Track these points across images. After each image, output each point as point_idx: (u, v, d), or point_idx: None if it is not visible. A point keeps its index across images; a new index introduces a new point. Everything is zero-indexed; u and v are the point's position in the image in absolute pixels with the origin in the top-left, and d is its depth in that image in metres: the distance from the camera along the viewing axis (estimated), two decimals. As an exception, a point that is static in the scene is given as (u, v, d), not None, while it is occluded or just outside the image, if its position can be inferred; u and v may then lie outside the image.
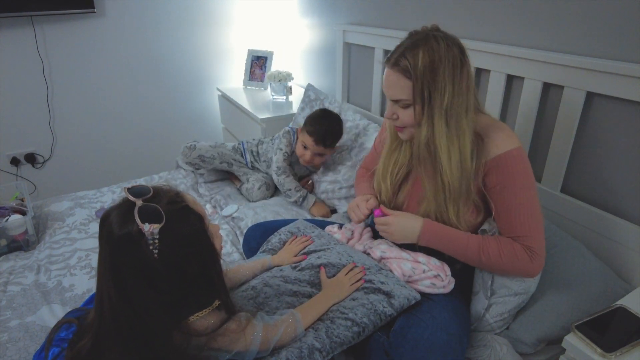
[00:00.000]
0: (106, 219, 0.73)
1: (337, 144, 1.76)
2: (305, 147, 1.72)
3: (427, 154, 1.03)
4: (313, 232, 1.28)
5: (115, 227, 0.71)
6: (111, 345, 0.73)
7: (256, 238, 1.36)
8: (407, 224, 1.08)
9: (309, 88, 2.17)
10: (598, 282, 1.05)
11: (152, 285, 0.72)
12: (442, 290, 1.06)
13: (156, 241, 0.71)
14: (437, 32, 1.00)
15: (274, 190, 1.88)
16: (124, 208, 0.73)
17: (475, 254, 1.02)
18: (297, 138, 1.78)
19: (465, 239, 1.04)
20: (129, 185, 0.77)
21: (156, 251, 0.71)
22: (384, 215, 1.13)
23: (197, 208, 0.79)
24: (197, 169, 1.97)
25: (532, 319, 1.06)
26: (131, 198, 0.73)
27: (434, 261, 1.09)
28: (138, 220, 0.70)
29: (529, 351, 1.06)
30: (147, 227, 0.70)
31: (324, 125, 1.67)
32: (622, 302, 0.90)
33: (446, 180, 1.01)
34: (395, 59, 0.99)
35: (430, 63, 0.95)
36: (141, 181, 1.99)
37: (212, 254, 0.80)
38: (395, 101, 1.03)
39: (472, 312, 1.11)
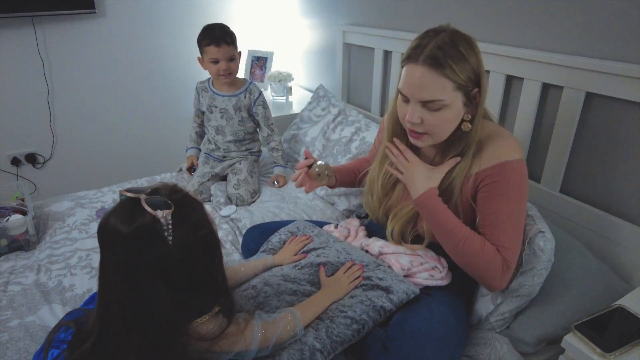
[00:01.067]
0: (106, 225, 0.73)
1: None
2: (215, 62, 1.72)
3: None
4: (312, 231, 1.29)
5: (124, 226, 0.71)
6: (120, 347, 0.73)
7: (254, 240, 1.36)
8: (420, 178, 1.04)
9: (320, 88, 2.17)
10: (598, 282, 1.06)
11: (166, 279, 0.73)
12: (440, 282, 1.07)
13: (170, 227, 0.72)
14: (457, 31, 0.96)
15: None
16: (124, 208, 0.74)
17: (458, 241, 0.99)
18: (204, 68, 1.80)
19: (455, 222, 1.01)
20: (124, 188, 0.77)
21: (170, 237, 0.72)
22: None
23: (195, 196, 0.82)
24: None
25: (533, 318, 1.06)
26: (132, 195, 0.74)
27: (431, 254, 1.11)
28: (150, 209, 0.71)
29: (530, 350, 1.06)
30: (160, 214, 0.71)
31: (210, 29, 1.69)
32: (621, 302, 0.90)
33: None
34: (434, 56, 0.91)
35: (472, 61, 0.93)
36: (142, 182, 1.99)
37: (216, 240, 0.82)
38: (425, 102, 0.95)
39: (474, 313, 1.11)
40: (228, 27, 1.78)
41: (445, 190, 1.04)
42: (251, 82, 1.92)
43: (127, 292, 0.72)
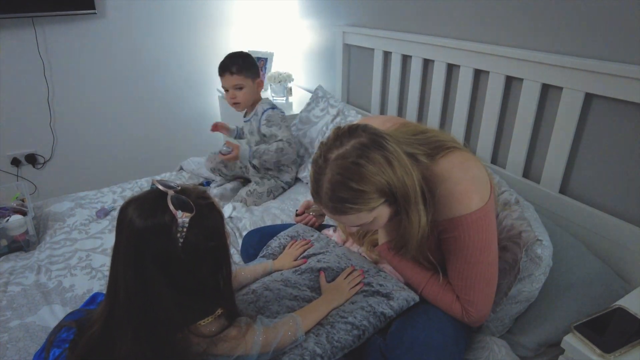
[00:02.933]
0: (126, 210, 0.75)
1: (257, 76, 1.76)
2: (226, 90, 1.76)
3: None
4: (312, 235, 1.29)
5: (141, 219, 0.73)
6: (122, 333, 0.74)
7: (254, 245, 1.36)
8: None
9: (318, 88, 2.18)
10: (599, 283, 1.05)
11: (170, 278, 0.74)
12: None
13: (184, 230, 0.73)
14: (340, 147, 0.85)
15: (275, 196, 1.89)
16: (150, 198, 0.75)
17: (417, 287, 1.04)
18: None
19: (412, 272, 1.04)
20: (158, 178, 0.78)
21: (182, 240, 0.73)
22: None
23: (219, 208, 0.83)
24: (220, 175, 1.99)
25: (533, 322, 1.05)
26: (162, 188, 0.76)
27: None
28: (172, 208, 0.72)
29: (529, 355, 1.05)
30: (179, 215, 0.73)
31: (224, 58, 1.75)
32: (621, 302, 0.90)
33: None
34: (332, 206, 0.86)
35: (372, 189, 0.84)
36: (142, 182, 1.99)
37: (226, 254, 0.82)
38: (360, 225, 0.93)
39: None
40: (241, 56, 1.74)
41: (407, 243, 0.98)
42: (261, 102, 1.84)
43: (133, 280, 0.74)
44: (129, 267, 0.74)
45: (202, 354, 0.78)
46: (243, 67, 1.70)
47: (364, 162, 0.82)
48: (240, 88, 1.73)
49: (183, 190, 0.78)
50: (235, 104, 1.78)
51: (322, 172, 0.86)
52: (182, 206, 0.74)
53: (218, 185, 1.97)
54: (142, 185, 1.94)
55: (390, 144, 0.86)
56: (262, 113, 1.79)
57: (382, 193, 0.85)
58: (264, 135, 1.80)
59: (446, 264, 1.00)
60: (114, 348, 0.74)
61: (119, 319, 0.75)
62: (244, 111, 1.90)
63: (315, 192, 0.89)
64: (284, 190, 1.91)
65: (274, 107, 1.81)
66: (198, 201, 0.77)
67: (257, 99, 1.83)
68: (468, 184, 0.92)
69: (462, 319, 0.99)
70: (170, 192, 0.75)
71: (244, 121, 1.90)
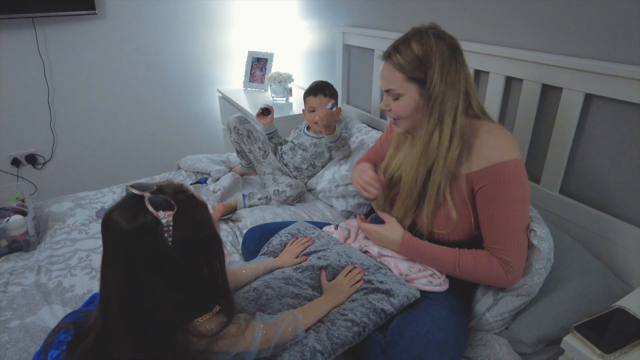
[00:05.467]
0: (110, 219, 0.73)
1: (339, 106, 1.81)
2: (312, 111, 1.82)
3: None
4: (313, 233, 1.29)
5: (125, 223, 0.72)
6: (119, 343, 0.74)
7: (254, 241, 1.36)
8: (387, 236, 1.13)
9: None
10: (597, 282, 1.06)
11: (165, 279, 0.74)
12: (438, 289, 1.07)
13: (170, 228, 0.72)
14: (433, 29, 1.02)
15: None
16: (128, 204, 0.74)
17: (451, 268, 1.06)
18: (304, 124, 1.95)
19: (441, 253, 1.06)
20: (130, 184, 0.78)
21: (170, 239, 0.72)
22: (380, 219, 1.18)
23: (200, 197, 0.82)
24: (237, 149, 1.94)
25: (532, 319, 1.06)
26: (137, 192, 0.74)
27: None
28: (152, 209, 0.71)
29: (529, 351, 1.06)
30: (162, 214, 0.72)
31: (313, 83, 1.87)
32: (620, 303, 0.90)
33: (420, 170, 1.05)
34: (389, 52, 1.04)
35: (419, 55, 0.98)
36: (142, 181, 1.99)
37: (218, 242, 0.81)
38: (388, 91, 1.06)
39: (473, 310, 1.11)
40: (330, 85, 1.89)
41: (434, 163, 1.04)
42: (343, 130, 1.86)
43: (126, 287, 0.72)
44: (120, 274, 0.72)
45: (202, 352, 0.78)
46: (332, 92, 1.87)
47: (438, 43, 0.99)
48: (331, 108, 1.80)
49: (160, 189, 0.77)
50: (323, 122, 1.77)
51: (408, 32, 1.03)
52: (161, 206, 0.73)
53: (215, 180, 1.95)
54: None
55: (464, 66, 1.02)
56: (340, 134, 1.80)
57: (421, 64, 0.99)
58: (330, 150, 1.86)
59: (480, 218, 1.03)
60: (112, 356, 0.73)
61: (114, 328, 0.74)
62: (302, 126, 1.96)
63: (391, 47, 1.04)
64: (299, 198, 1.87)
65: (346, 132, 1.90)
66: (177, 197, 0.76)
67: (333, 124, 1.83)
68: (506, 138, 1.01)
69: (505, 276, 0.99)
70: (146, 195, 0.74)
71: (306, 134, 1.89)
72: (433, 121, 1.00)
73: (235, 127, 1.85)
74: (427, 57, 0.98)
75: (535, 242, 1.00)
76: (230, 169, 2.06)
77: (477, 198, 1.02)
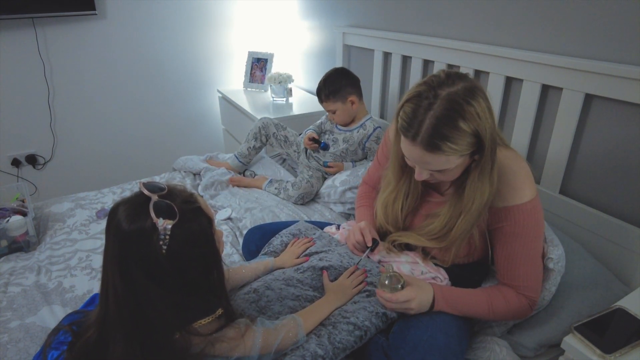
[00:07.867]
0: (116, 211, 0.74)
1: (348, 95, 1.74)
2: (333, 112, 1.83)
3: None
4: (314, 233, 1.28)
5: (127, 220, 0.72)
6: (115, 338, 0.74)
7: (255, 241, 1.36)
8: (423, 300, 0.99)
9: None
10: (598, 285, 1.06)
11: (157, 281, 0.73)
12: None
13: (167, 237, 0.72)
14: (459, 91, 0.86)
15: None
16: (136, 202, 0.74)
17: (486, 313, 1.01)
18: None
19: (474, 300, 1.01)
20: (145, 180, 0.77)
21: (165, 247, 0.72)
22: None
23: (208, 211, 0.81)
24: (255, 146, 2.02)
25: (533, 323, 1.06)
26: (147, 192, 0.74)
27: (431, 264, 1.10)
28: (153, 215, 0.71)
29: (530, 355, 1.05)
30: (160, 222, 0.71)
31: (319, 83, 1.78)
32: (621, 303, 0.90)
33: (467, 210, 0.97)
34: (434, 142, 0.86)
35: (473, 132, 0.86)
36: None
37: (216, 258, 0.81)
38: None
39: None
40: (334, 74, 1.78)
41: (465, 210, 0.97)
42: (369, 117, 1.84)
43: (120, 282, 0.73)
44: (115, 269, 0.73)
45: (200, 355, 0.77)
46: (330, 93, 1.77)
47: (475, 103, 0.85)
48: (334, 112, 1.79)
49: (169, 194, 0.76)
50: (340, 123, 1.84)
51: (429, 107, 0.86)
52: (164, 213, 0.72)
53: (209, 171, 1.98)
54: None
55: (488, 98, 0.90)
56: (374, 129, 1.78)
57: (476, 139, 0.87)
58: (364, 149, 1.84)
59: (496, 252, 1.02)
60: (108, 351, 0.73)
61: (112, 321, 0.74)
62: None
63: (410, 126, 0.87)
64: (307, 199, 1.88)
65: (380, 126, 1.83)
66: (183, 206, 0.75)
67: (356, 114, 1.83)
68: (524, 175, 0.97)
69: (530, 311, 1.00)
70: (154, 197, 0.73)
71: (339, 129, 1.87)
72: (485, 175, 0.93)
73: (274, 133, 2.01)
74: (479, 127, 0.86)
75: (551, 266, 1.01)
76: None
77: (494, 234, 1.01)
